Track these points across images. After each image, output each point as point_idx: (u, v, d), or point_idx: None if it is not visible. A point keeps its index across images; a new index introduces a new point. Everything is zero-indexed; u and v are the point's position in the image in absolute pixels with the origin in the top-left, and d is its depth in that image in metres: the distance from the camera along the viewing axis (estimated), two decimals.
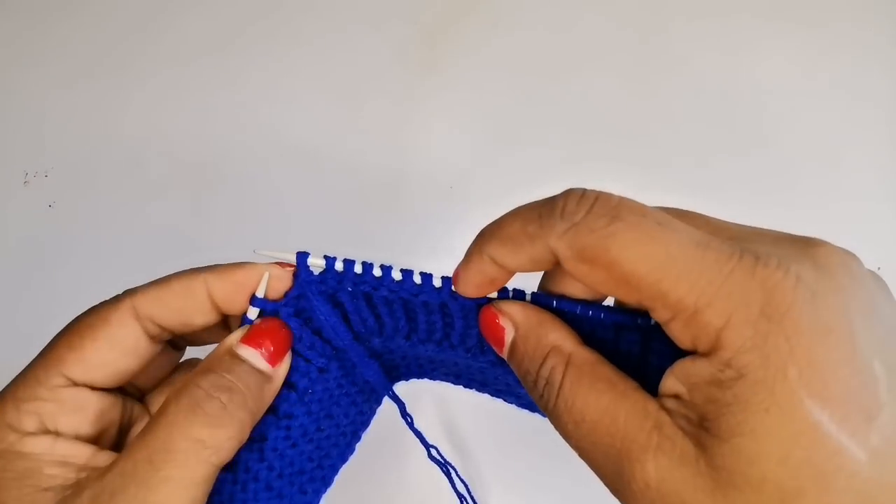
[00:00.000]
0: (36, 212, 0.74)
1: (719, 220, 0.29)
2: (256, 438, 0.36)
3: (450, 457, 0.46)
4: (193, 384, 0.32)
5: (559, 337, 0.31)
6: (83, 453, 0.33)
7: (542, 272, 0.36)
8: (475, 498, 0.48)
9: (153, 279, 0.36)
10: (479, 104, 0.76)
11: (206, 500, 0.31)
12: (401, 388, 0.44)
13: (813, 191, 0.70)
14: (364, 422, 0.44)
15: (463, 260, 0.33)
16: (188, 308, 0.35)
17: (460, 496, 0.47)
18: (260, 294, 0.36)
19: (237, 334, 0.35)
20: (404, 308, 0.36)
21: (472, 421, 0.63)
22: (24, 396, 0.32)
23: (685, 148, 0.73)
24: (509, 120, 0.76)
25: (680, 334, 0.26)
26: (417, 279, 0.35)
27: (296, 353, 0.37)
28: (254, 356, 0.34)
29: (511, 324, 0.33)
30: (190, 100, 0.77)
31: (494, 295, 0.34)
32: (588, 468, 0.29)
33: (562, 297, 0.33)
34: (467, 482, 0.48)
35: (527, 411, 0.44)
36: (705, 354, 0.25)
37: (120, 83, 0.78)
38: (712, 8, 0.78)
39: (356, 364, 0.39)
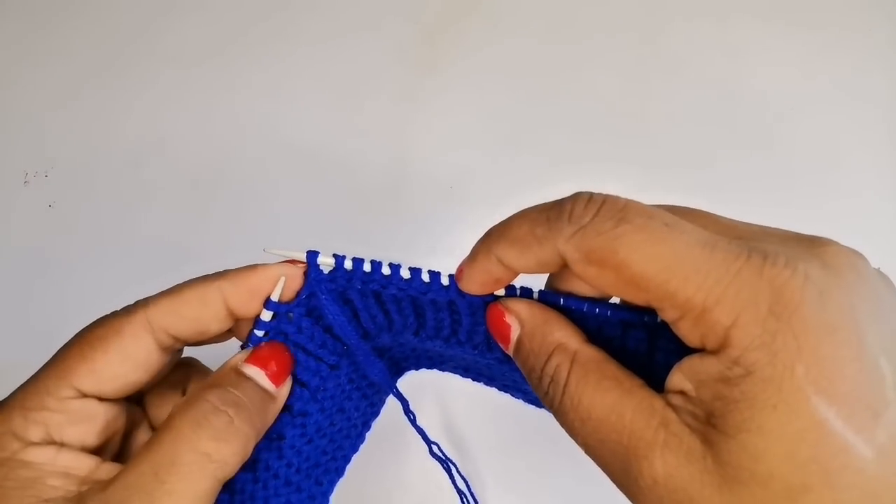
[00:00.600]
0: (36, 212, 0.74)
1: (726, 218, 0.30)
2: (275, 438, 0.37)
3: (450, 454, 0.46)
4: (201, 398, 0.32)
5: (564, 335, 0.31)
6: (86, 465, 0.33)
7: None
8: (475, 495, 0.49)
9: (164, 289, 0.36)
10: (479, 104, 0.77)
11: None
12: (404, 385, 0.44)
13: (813, 190, 0.70)
14: (375, 412, 0.45)
15: (468, 257, 0.33)
16: (204, 317, 0.35)
17: (460, 493, 0.47)
18: (275, 298, 0.36)
19: (242, 355, 0.36)
20: (413, 305, 0.37)
21: (473, 419, 0.64)
22: (32, 406, 0.32)
23: (686, 148, 0.74)
24: (509, 120, 0.76)
25: (688, 333, 0.26)
26: (426, 277, 0.35)
27: (308, 353, 0.38)
28: (259, 375, 0.35)
29: (517, 321, 0.33)
30: (190, 101, 0.77)
31: (502, 292, 0.34)
32: (589, 467, 0.29)
33: (569, 295, 0.33)
34: (467, 479, 0.48)
35: (532, 407, 0.45)
36: (713, 352, 0.25)
37: (120, 84, 0.78)
38: (713, 9, 0.78)
39: (362, 363, 0.40)
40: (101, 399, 0.34)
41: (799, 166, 0.72)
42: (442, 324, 0.37)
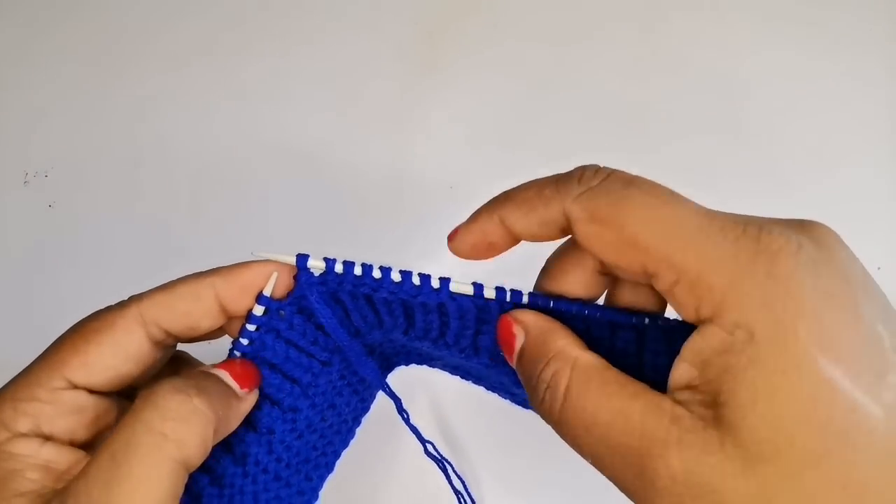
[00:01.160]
0: (36, 212, 0.74)
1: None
2: (265, 432, 0.37)
3: (445, 453, 0.46)
4: (161, 382, 0.32)
5: (565, 343, 0.31)
6: (67, 459, 0.32)
7: (539, 275, 0.36)
8: (471, 494, 0.49)
9: (158, 284, 0.36)
10: (479, 104, 0.77)
11: (177, 500, 0.30)
12: (397, 384, 0.44)
13: (813, 189, 0.70)
14: (365, 408, 0.45)
15: (468, 218, 0.34)
16: (195, 312, 0.36)
17: (457, 492, 0.47)
18: (268, 293, 0.36)
19: (207, 366, 0.37)
20: (403, 307, 0.37)
21: (468, 418, 0.64)
22: (23, 396, 0.32)
23: (686, 147, 0.74)
24: (509, 119, 0.76)
25: (684, 299, 0.26)
26: (416, 280, 0.35)
27: (299, 349, 0.38)
28: (223, 374, 0.35)
29: (522, 331, 0.33)
30: (190, 100, 0.78)
31: (505, 299, 0.35)
32: (586, 464, 0.29)
33: (559, 298, 0.34)
34: (463, 478, 0.48)
35: (520, 408, 0.45)
36: (711, 320, 0.25)
37: (120, 84, 0.78)
38: (713, 8, 0.78)
39: (353, 363, 0.40)
40: (91, 391, 0.34)
41: (799, 165, 0.71)
42: (430, 326, 0.37)
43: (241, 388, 0.35)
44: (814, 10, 0.77)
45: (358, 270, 0.35)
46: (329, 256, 0.36)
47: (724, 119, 0.74)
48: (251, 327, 0.37)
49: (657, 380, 0.28)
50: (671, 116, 0.75)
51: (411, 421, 0.43)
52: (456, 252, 0.34)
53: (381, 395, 0.45)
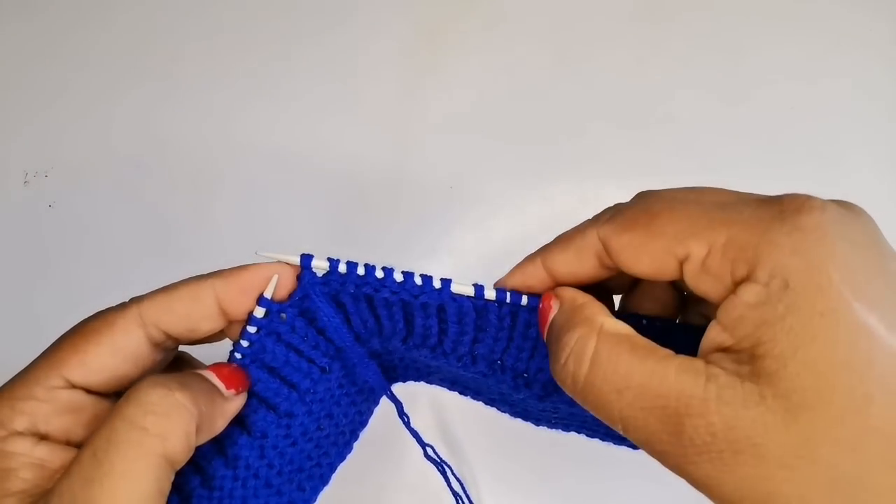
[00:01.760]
0: (36, 212, 0.74)
1: None
2: (258, 436, 0.37)
3: (445, 457, 0.46)
4: (146, 379, 0.31)
5: (593, 312, 0.31)
6: (60, 458, 0.32)
7: None
8: (470, 497, 0.48)
9: (159, 285, 0.36)
10: (478, 104, 0.76)
11: (164, 497, 0.29)
12: (398, 388, 0.44)
13: (814, 190, 0.70)
14: (362, 422, 0.44)
15: (513, 267, 0.35)
16: (195, 314, 0.35)
17: (456, 495, 0.47)
18: (268, 295, 0.36)
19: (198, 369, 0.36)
20: (403, 311, 0.37)
21: (468, 422, 0.64)
22: (20, 395, 0.32)
23: (686, 147, 0.74)
24: (509, 120, 0.76)
25: (718, 267, 0.26)
26: (418, 280, 0.35)
27: (299, 354, 0.38)
28: (209, 374, 0.35)
29: (558, 303, 0.33)
30: (190, 101, 0.77)
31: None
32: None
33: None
34: (463, 482, 0.48)
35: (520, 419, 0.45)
36: (747, 277, 0.25)
37: (120, 84, 0.78)
38: (713, 8, 0.78)
39: (356, 365, 0.40)
40: (89, 391, 0.34)
41: (799, 166, 0.71)
42: (429, 332, 0.37)
43: (227, 388, 0.35)
44: (814, 11, 0.77)
45: (361, 270, 0.35)
46: (331, 257, 0.36)
47: (724, 119, 0.74)
48: (252, 329, 0.36)
49: None
50: (671, 117, 0.75)
51: (412, 425, 0.43)
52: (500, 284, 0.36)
53: (382, 400, 0.45)
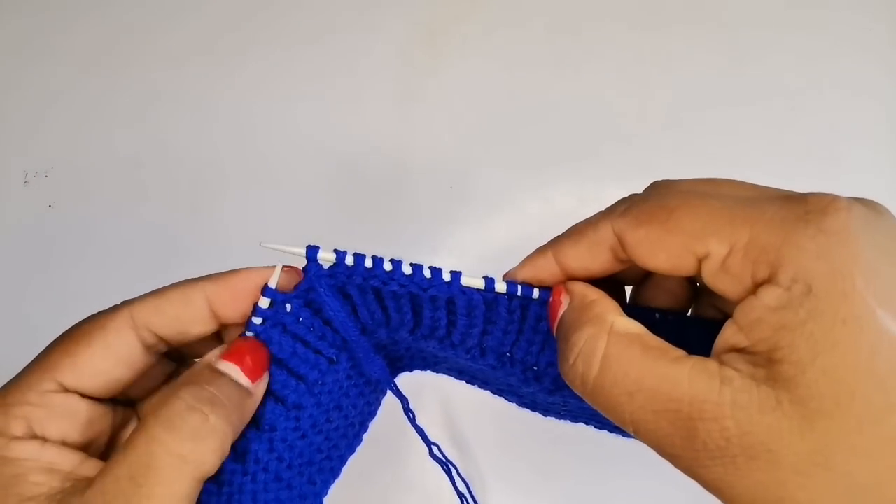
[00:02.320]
0: (36, 212, 0.74)
1: None
2: (267, 429, 0.36)
3: (450, 455, 0.46)
4: (175, 396, 0.31)
5: (604, 310, 0.30)
6: (70, 460, 0.32)
7: None
8: (475, 497, 0.48)
9: (152, 289, 0.36)
10: (479, 104, 0.77)
11: None
12: (404, 384, 0.44)
13: (812, 190, 0.70)
14: (371, 412, 0.44)
15: (524, 259, 0.34)
16: (186, 317, 0.35)
17: (460, 495, 0.47)
18: (272, 285, 0.36)
19: (216, 351, 0.35)
20: (411, 303, 0.37)
21: (474, 420, 0.64)
22: (14, 401, 0.32)
23: (686, 147, 0.74)
24: (509, 119, 0.76)
25: (739, 268, 0.26)
26: (427, 273, 0.35)
27: (306, 345, 0.37)
28: (234, 370, 0.34)
29: (568, 298, 0.33)
30: (190, 101, 0.77)
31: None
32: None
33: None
34: (468, 481, 0.48)
35: (527, 410, 0.44)
36: (768, 279, 0.25)
37: (120, 84, 0.78)
38: (712, 8, 0.78)
39: (361, 359, 0.39)
40: (83, 396, 0.34)
41: (799, 166, 0.72)
42: (438, 324, 0.37)
43: (252, 381, 0.34)
44: (813, 12, 0.77)
45: (369, 263, 0.35)
46: (338, 249, 0.36)
47: (724, 119, 0.74)
48: (257, 320, 0.36)
49: None
50: (671, 118, 0.75)
51: (418, 422, 0.43)
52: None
53: (388, 397, 0.45)
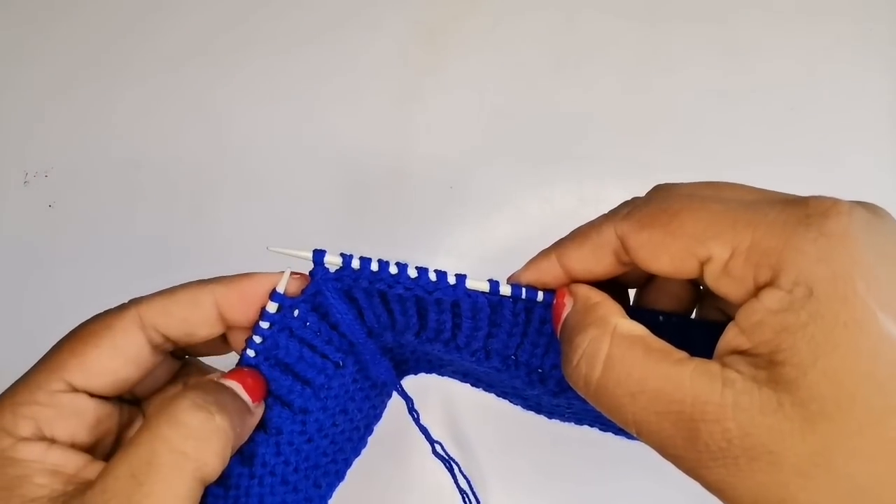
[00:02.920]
0: (36, 212, 0.74)
1: None
2: (273, 433, 0.36)
3: (453, 454, 0.46)
4: (179, 396, 0.31)
5: (607, 312, 0.31)
6: (75, 462, 0.32)
7: None
8: (477, 495, 0.49)
9: (160, 289, 0.36)
10: (479, 104, 0.77)
11: None
12: (410, 386, 0.44)
13: (813, 190, 0.70)
14: (377, 416, 0.44)
15: (527, 262, 0.35)
16: (194, 319, 0.35)
17: (462, 492, 0.47)
18: (280, 290, 0.36)
19: (216, 374, 0.36)
20: (417, 306, 0.37)
21: (476, 421, 0.64)
22: (22, 401, 0.32)
23: (685, 147, 0.74)
24: (509, 119, 0.76)
25: (741, 271, 0.26)
26: (433, 276, 0.35)
27: (313, 349, 0.38)
28: (237, 386, 0.34)
29: (572, 301, 0.33)
30: (191, 101, 0.77)
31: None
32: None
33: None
34: (469, 479, 0.48)
35: (530, 413, 0.45)
36: (770, 283, 0.25)
37: (120, 84, 0.78)
38: (713, 8, 0.78)
39: (368, 361, 0.40)
40: (92, 395, 0.34)
41: (799, 166, 0.72)
42: (443, 326, 0.37)
43: (253, 401, 0.35)
44: (813, 11, 0.77)
45: (374, 266, 0.35)
46: (344, 252, 0.36)
47: (724, 119, 0.74)
48: (264, 325, 0.36)
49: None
50: (671, 117, 0.75)
51: (421, 422, 0.43)
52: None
53: (390, 401, 0.45)
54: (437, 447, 0.44)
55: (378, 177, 0.74)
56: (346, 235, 0.72)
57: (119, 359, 0.34)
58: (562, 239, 0.34)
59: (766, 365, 0.25)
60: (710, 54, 0.77)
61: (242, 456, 0.36)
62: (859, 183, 0.71)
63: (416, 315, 0.37)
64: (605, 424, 0.42)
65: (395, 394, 0.44)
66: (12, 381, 0.33)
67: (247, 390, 0.35)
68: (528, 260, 0.36)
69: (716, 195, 0.28)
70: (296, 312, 0.36)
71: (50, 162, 0.75)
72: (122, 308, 0.35)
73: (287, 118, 0.76)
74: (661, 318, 0.34)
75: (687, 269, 0.28)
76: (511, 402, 0.45)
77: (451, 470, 0.45)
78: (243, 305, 0.36)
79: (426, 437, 0.43)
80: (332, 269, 0.36)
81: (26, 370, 0.34)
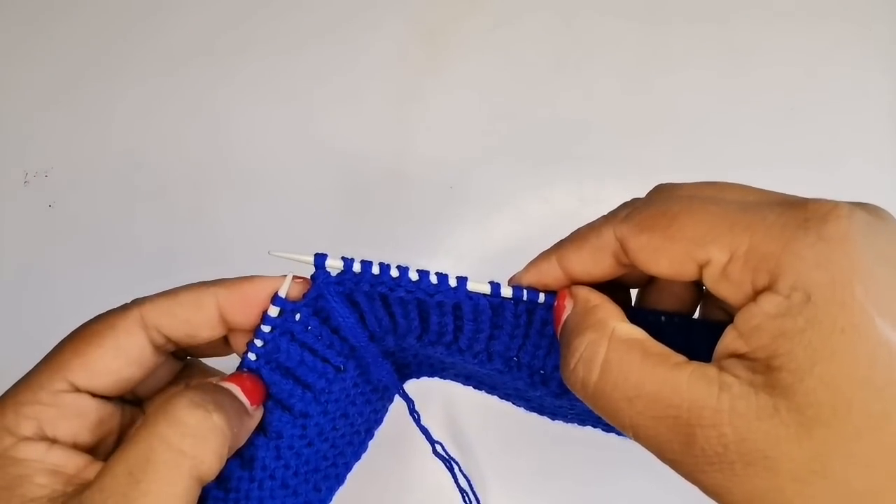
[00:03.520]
0: (36, 212, 0.74)
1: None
2: (274, 436, 0.37)
3: (453, 454, 0.46)
4: (178, 396, 0.31)
5: (606, 315, 0.31)
6: (76, 463, 0.32)
7: None
8: (477, 495, 0.49)
9: (160, 290, 0.36)
10: (479, 104, 0.77)
11: None
12: (411, 385, 0.44)
13: (813, 191, 0.70)
14: (377, 420, 0.44)
15: (527, 264, 0.35)
16: (196, 320, 0.35)
17: (462, 492, 0.47)
18: (282, 294, 0.36)
19: (216, 377, 0.36)
20: (418, 309, 0.37)
21: (476, 422, 0.64)
22: (25, 400, 0.32)
23: (685, 147, 0.74)
24: (509, 119, 0.76)
25: (739, 275, 0.26)
26: (434, 279, 0.35)
27: (314, 353, 0.38)
28: (235, 389, 0.35)
29: (572, 303, 0.33)
30: (191, 101, 0.77)
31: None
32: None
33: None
34: (470, 479, 0.48)
35: (530, 413, 0.45)
36: (768, 287, 0.25)
37: (120, 84, 0.78)
38: (713, 9, 0.78)
39: (370, 364, 0.40)
40: (94, 395, 0.34)
41: (799, 166, 0.72)
42: (445, 329, 0.37)
43: (251, 404, 0.35)
44: (814, 11, 0.77)
45: (376, 270, 0.35)
46: (345, 256, 0.36)
47: (724, 119, 0.74)
48: (266, 328, 0.36)
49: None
50: (672, 118, 0.75)
51: (422, 423, 0.43)
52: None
53: (392, 405, 0.45)
54: (438, 447, 0.45)
55: (378, 177, 0.74)
56: (346, 235, 0.72)
57: (122, 359, 0.34)
58: (562, 241, 0.34)
59: (763, 369, 0.25)
60: (710, 55, 0.77)
61: (243, 459, 0.36)
62: (860, 183, 0.71)
63: (418, 318, 0.37)
64: (608, 426, 0.42)
65: (396, 396, 0.44)
66: (12, 381, 0.33)
67: (245, 393, 0.35)
68: (528, 261, 0.36)
69: (716, 196, 0.28)
70: (297, 316, 0.36)
71: (50, 162, 0.75)
72: (124, 308, 0.35)
73: (287, 119, 0.76)
74: (662, 318, 0.34)
75: (686, 272, 0.28)
76: (514, 403, 0.45)
77: (451, 470, 0.46)
78: (245, 308, 0.36)
79: (427, 438, 0.44)
80: (334, 272, 0.36)
81: (27, 370, 0.34)
